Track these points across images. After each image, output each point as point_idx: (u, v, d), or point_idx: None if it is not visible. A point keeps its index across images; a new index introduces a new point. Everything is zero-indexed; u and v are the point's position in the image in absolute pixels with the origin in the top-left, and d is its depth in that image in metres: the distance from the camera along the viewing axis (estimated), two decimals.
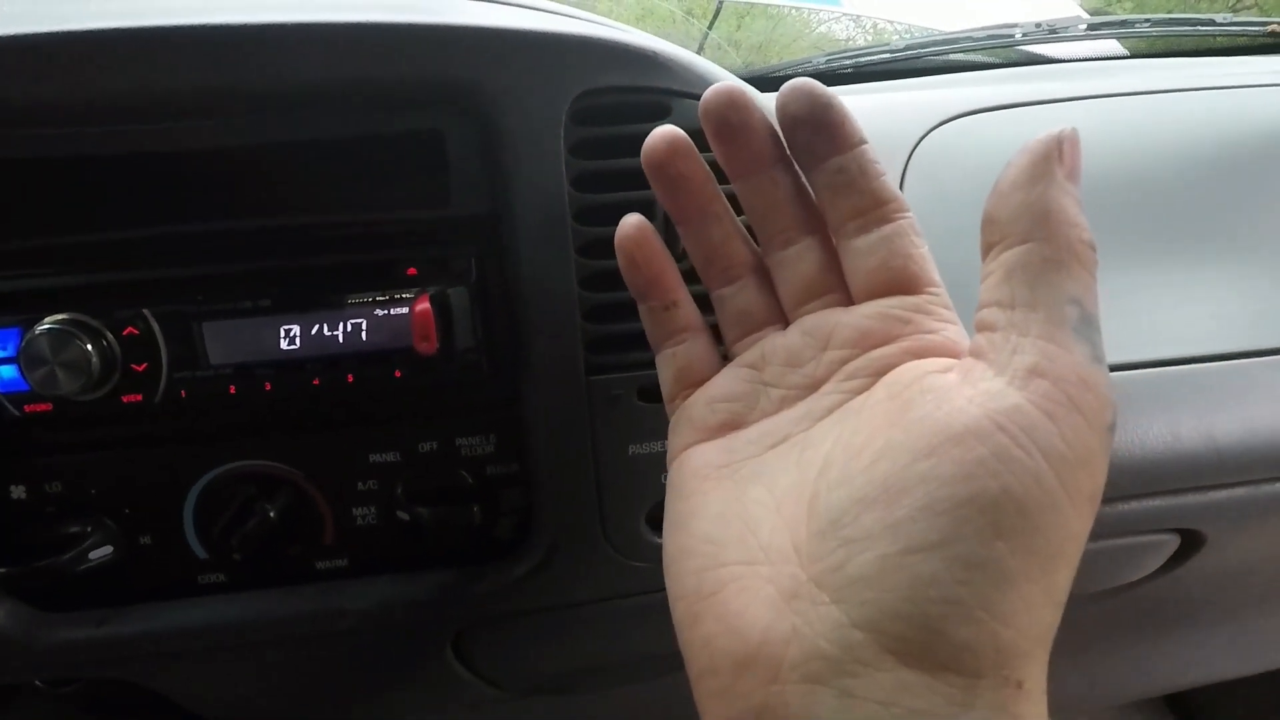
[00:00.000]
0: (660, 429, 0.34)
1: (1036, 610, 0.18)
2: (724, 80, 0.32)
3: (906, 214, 0.23)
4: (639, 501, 0.35)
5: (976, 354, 0.20)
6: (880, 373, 0.22)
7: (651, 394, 0.33)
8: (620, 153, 0.31)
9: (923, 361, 0.22)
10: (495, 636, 0.39)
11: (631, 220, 0.26)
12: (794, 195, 0.25)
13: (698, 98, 0.32)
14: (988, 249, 0.20)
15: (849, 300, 0.24)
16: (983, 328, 0.20)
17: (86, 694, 0.43)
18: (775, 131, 0.25)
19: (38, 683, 0.41)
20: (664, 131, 0.25)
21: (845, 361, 0.23)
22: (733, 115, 0.24)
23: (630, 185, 0.32)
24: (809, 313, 0.25)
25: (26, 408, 0.31)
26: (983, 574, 0.17)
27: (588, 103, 0.31)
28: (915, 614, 0.17)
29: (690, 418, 0.26)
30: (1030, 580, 0.17)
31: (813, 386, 0.24)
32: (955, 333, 0.22)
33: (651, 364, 0.33)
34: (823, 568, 0.19)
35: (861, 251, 0.23)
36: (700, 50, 0.93)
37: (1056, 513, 0.17)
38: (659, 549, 0.36)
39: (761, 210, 0.25)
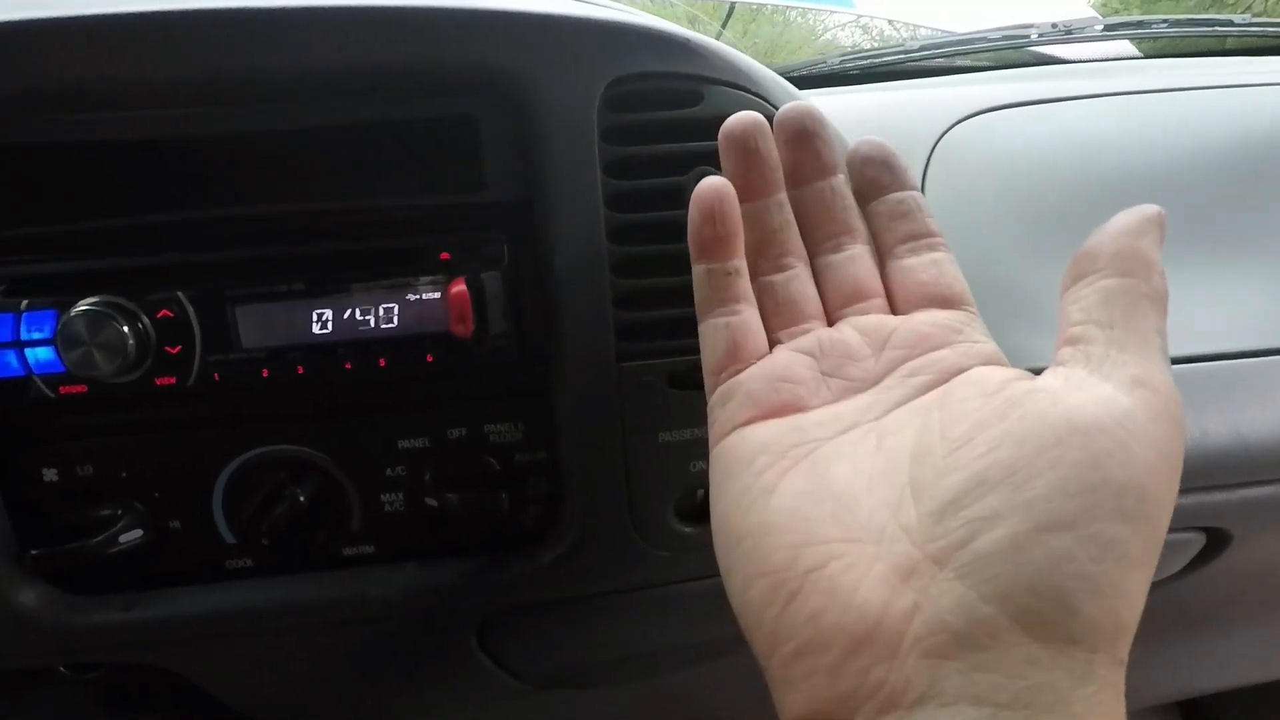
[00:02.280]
0: (690, 417, 0.34)
1: (1143, 594, 0.19)
2: (758, 71, 0.33)
3: (944, 246, 0.27)
4: (668, 490, 0.35)
5: (1069, 364, 0.22)
6: (943, 373, 0.24)
7: (682, 381, 0.33)
8: (652, 139, 0.31)
9: (998, 369, 0.24)
10: (520, 626, 0.39)
11: (716, 180, 0.27)
12: (849, 207, 0.28)
13: (730, 85, 0.32)
14: (1080, 276, 0.23)
15: (892, 309, 0.27)
16: (1078, 341, 0.22)
17: (109, 682, 0.43)
18: (837, 145, 0.29)
19: (62, 669, 0.41)
20: (747, 113, 0.27)
21: (903, 361, 0.25)
22: (810, 124, 0.28)
23: (661, 171, 0.32)
24: (857, 314, 0.27)
25: (62, 389, 0.31)
26: (1112, 554, 0.18)
27: (621, 89, 0.31)
28: (1050, 588, 0.18)
29: (750, 393, 0.25)
30: (1144, 566, 0.19)
31: (872, 381, 0.25)
32: (995, 348, 0.25)
33: (683, 351, 0.33)
34: (942, 545, 0.20)
35: (915, 269, 0.27)
36: (719, 37, 0.93)
37: (1163, 507, 0.19)
38: (688, 539, 0.36)
39: (818, 215, 0.28)
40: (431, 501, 0.35)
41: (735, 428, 0.25)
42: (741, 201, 0.27)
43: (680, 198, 0.32)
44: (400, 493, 0.35)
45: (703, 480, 0.35)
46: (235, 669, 0.39)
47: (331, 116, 0.30)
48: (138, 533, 0.34)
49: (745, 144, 0.27)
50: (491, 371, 0.34)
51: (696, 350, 0.33)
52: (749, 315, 0.27)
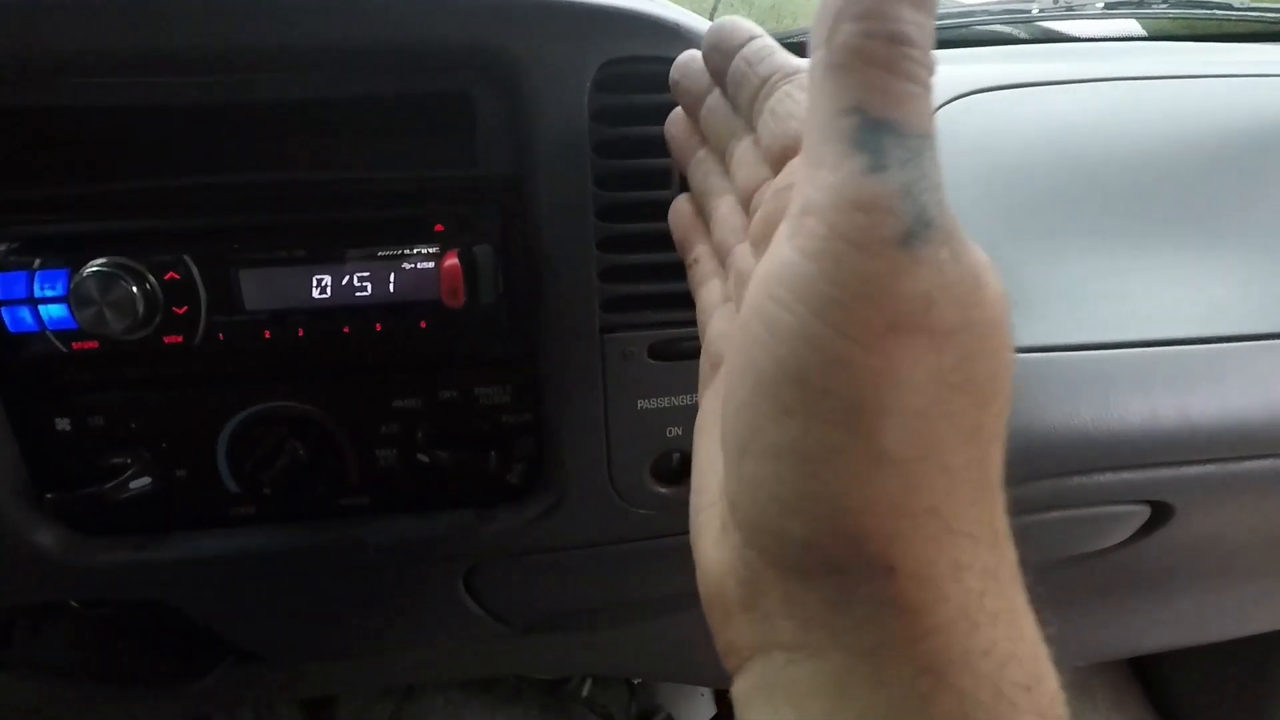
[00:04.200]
0: (668, 385, 0.36)
1: (871, 482, 0.15)
2: None
3: (794, 76, 0.22)
4: (645, 453, 0.37)
5: None
6: None
7: (662, 352, 0.35)
8: (641, 120, 0.33)
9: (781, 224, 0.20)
10: (504, 574, 0.42)
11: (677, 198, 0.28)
12: (730, 112, 0.25)
13: None
14: None
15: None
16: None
17: (119, 617, 0.46)
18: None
19: (74, 604, 0.44)
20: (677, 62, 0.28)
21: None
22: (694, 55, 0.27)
23: (649, 152, 0.33)
24: (753, 213, 0.23)
25: (74, 345, 0.33)
26: (785, 461, 0.16)
27: (612, 71, 0.32)
28: (762, 520, 0.17)
29: (701, 372, 0.25)
30: (841, 451, 0.15)
31: None
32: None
33: (664, 324, 0.35)
34: (726, 495, 0.19)
35: (760, 136, 0.23)
36: (714, 12, 0.93)
37: (842, 366, 0.15)
38: (662, 498, 0.39)
39: (714, 139, 0.26)
40: (423, 458, 0.37)
41: (701, 402, 0.25)
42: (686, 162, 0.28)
43: (666, 180, 0.33)
44: (394, 449, 0.37)
45: (678, 445, 0.37)
46: (237, 607, 0.42)
47: (332, 89, 0.32)
48: (146, 480, 0.36)
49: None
50: (481, 338, 0.36)
51: (677, 324, 0.35)
52: (706, 296, 0.26)
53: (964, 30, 0.78)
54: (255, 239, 0.33)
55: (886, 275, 0.15)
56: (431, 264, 0.33)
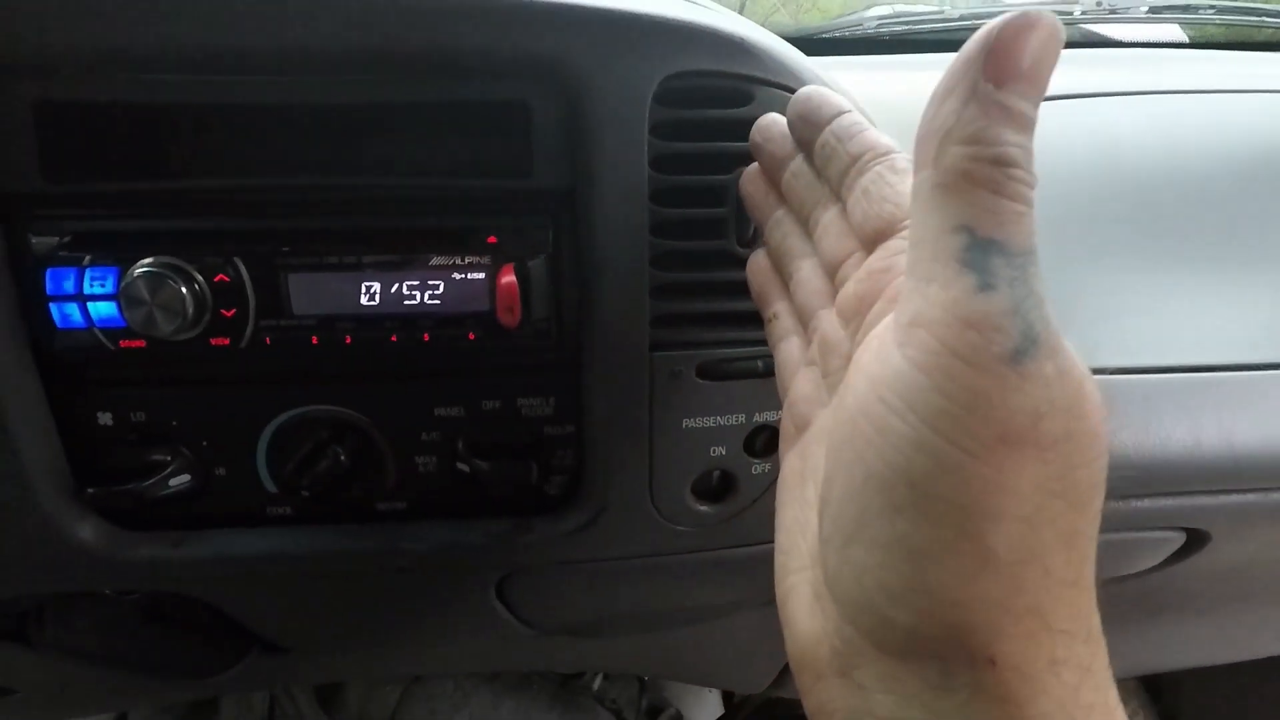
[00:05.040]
0: (715, 406, 0.36)
1: (977, 580, 0.16)
2: (809, 74, 0.33)
3: (885, 157, 0.23)
4: (687, 471, 0.37)
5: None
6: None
7: (710, 372, 0.35)
8: (700, 136, 0.32)
9: (884, 320, 0.20)
10: (536, 583, 0.42)
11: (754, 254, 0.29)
12: (807, 177, 0.26)
13: (780, 87, 0.32)
14: None
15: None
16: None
17: (148, 604, 0.46)
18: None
19: (106, 590, 0.44)
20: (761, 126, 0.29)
21: (856, 331, 0.22)
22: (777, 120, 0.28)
23: (707, 169, 0.32)
24: (841, 284, 0.24)
25: (122, 343, 0.33)
26: (895, 555, 0.17)
27: (673, 85, 0.31)
28: (865, 604, 0.18)
29: (782, 430, 0.26)
30: (950, 550, 0.16)
31: (845, 366, 0.22)
32: None
33: (714, 344, 0.34)
34: (824, 568, 0.20)
35: (851, 212, 0.23)
36: (742, 8, 0.91)
37: (953, 473, 0.16)
38: (703, 516, 0.38)
39: (797, 203, 0.27)
40: (463, 466, 0.37)
41: (783, 461, 0.26)
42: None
43: (723, 196, 0.33)
44: (434, 456, 0.37)
45: (720, 464, 0.37)
46: (270, 605, 0.42)
47: (390, 94, 0.31)
48: (186, 478, 0.36)
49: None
50: (528, 350, 0.35)
51: (726, 344, 0.35)
52: (786, 352, 0.27)
53: None
54: (306, 243, 0.32)
55: (996, 391, 0.16)
56: (483, 275, 0.33)
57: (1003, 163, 0.16)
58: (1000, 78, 0.16)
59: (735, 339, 0.34)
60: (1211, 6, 0.81)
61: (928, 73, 0.60)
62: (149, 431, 0.35)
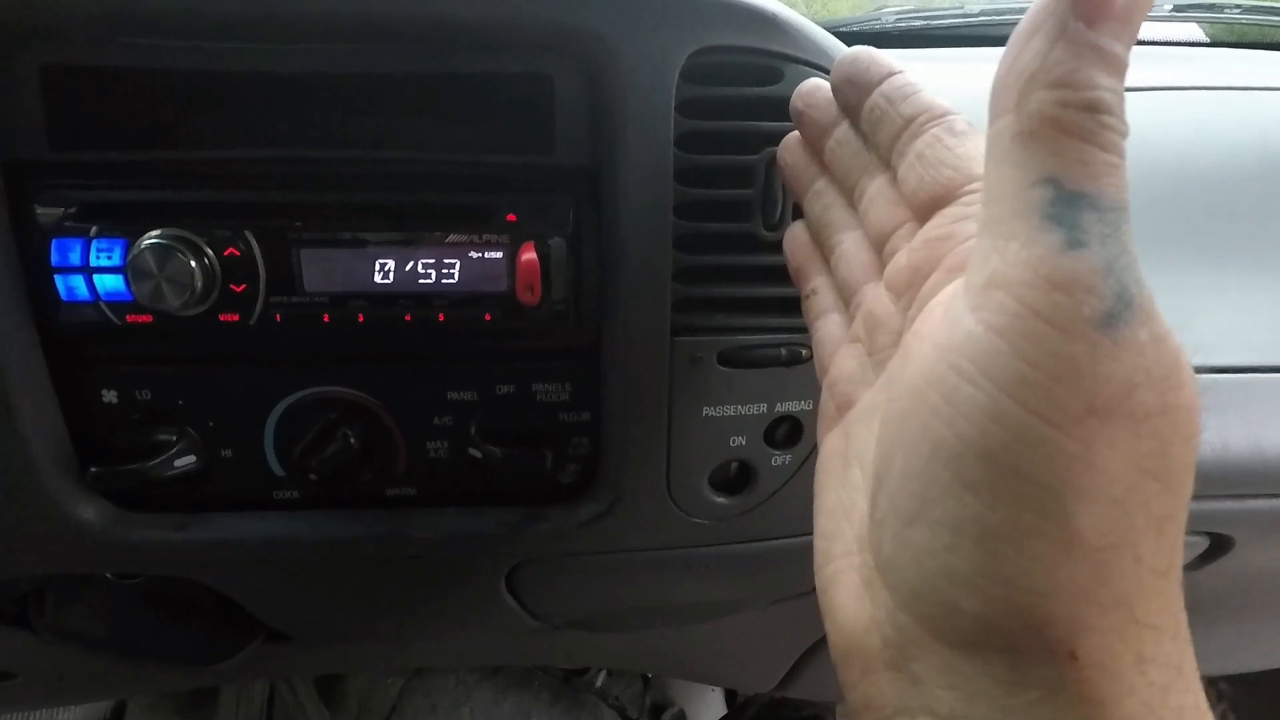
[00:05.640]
0: (736, 394, 0.35)
1: (1060, 567, 0.15)
2: (837, 51, 0.32)
3: (942, 119, 0.21)
4: (706, 461, 0.36)
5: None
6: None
7: (732, 359, 0.34)
8: (728, 115, 0.31)
9: (947, 288, 0.19)
10: (547, 574, 0.41)
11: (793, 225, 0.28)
12: (862, 148, 0.24)
13: (810, 65, 0.31)
14: None
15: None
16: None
17: (150, 589, 0.45)
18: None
19: (107, 574, 0.43)
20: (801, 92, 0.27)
21: (909, 305, 0.21)
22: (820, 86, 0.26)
23: (733, 148, 0.31)
24: (890, 256, 0.23)
25: (128, 318, 0.32)
26: (965, 537, 0.15)
27: (701, 60, 0.30)
28: (928, 590, 0.16)
29: (821, 410, 0.25)
30: (1030, 533, 0.15)
31: (895, 342, 0.21)
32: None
33: (736, 330, 0.33)
34: (875, 552, 0.18)
35: (903, 179, 0.22)
36: None
37: (1036, 448, 0.15)
38: (720, 508, 0.37)
39: (840, 172, 0.25)
40: (475, 452, 0.36)
41: (819, 446, 0.24)
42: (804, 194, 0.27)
43: (750, 177, 0.32)
44: (446, 441, 0.36)
45: (740, 455, 0.36)
46: (274, 591, 0.41)
47: (408, 65, 0.30)
48: (191, 459, 0.35)
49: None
50: (544, 333, 0.34)
51: (749, 330, 0.34)
52: (825, 329, 0.26)
53: None
54: (319, 218, 0.31)
55: (1086, 358, 0.14)
56: (500, 254, 0.32)
57: (1095, 109, 0.14)
58: (1092, 16, 0.14)
59: (759, 325, 0.33)
60: (1237, 6, 0.80)
61: (947, 67, 0.60)
62: (154, 410, 0.34)
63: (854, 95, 0.24)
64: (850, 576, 0.19)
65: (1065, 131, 0.14)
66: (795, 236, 0.28)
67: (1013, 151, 0.15)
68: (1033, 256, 0.15)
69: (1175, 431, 0.15)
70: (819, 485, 0.23)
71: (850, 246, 0.25)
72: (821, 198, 0.26)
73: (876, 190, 0.23)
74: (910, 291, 0.21)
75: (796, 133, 0.28)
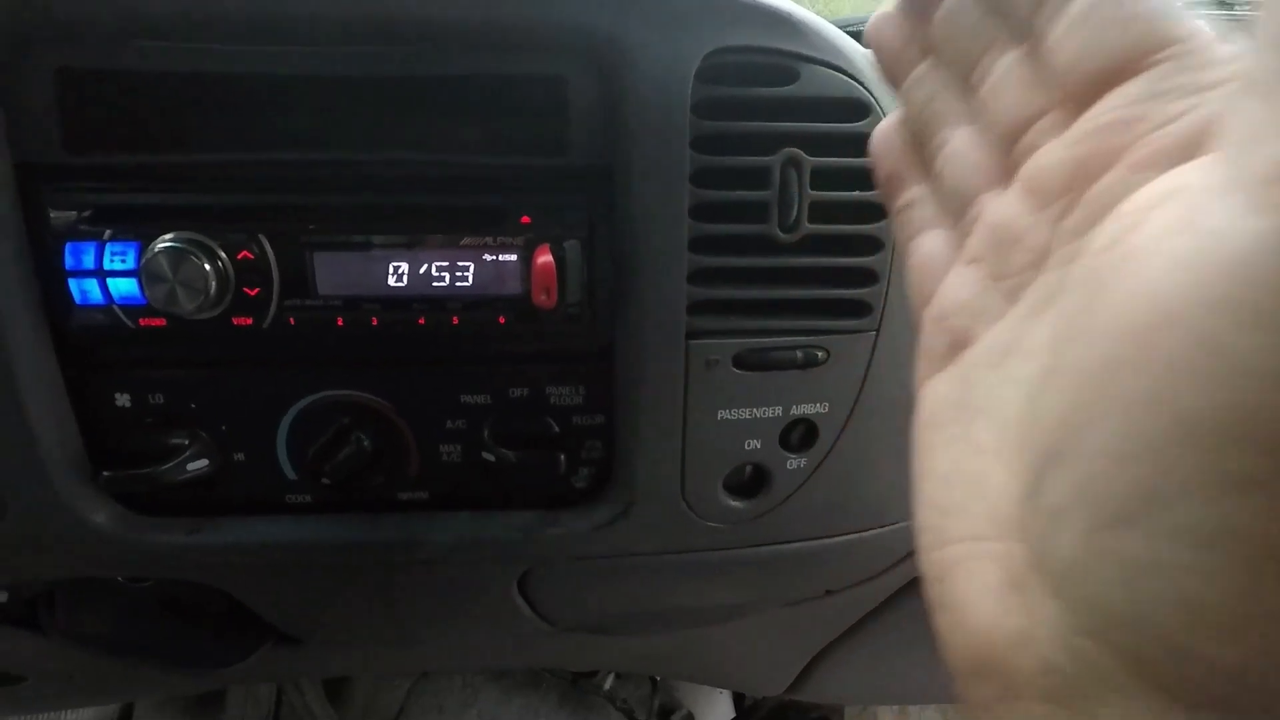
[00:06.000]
0: (752, 397, 0.34)
1: None
2: (855, 53, 0.31)
3: None
4: (720, 465, 0.36)
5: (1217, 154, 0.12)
6: (1100, 221, 0.15)
7: (747, 361, 0.33)
8: (742, 115, 0.31)
9: (1151, 186, 0.14)
10: (559, 577, 0.41)
11: (881, 123, 0.22)
12: (984, 14, 0.19)
13: (826, 65, 0.31)
14: None
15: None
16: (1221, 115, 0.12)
17: (161, 592, 0.45)
18: None
19: (119, 578, 0.43)
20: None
21: (1064, 215, 0.16)
22: None
23: (749, 149, 0.31)
24: (1027, 153, 0.17)
25: (141, 321, 0.32)
26: (1226, 555, 0.11)
27: (717, 61, 0.30)
28: (1144, 620, 0.12)
29: (923, 349, 0.19)
30: None
31: (1038, 263, 0.16)
32: (1201, 115, 0.14)
33: (752, 333, 0.33)
34: (1037, 546, 0.14)
35: (1058, 48, 0.16)
36: None
37: None
38: (733, 511, 0.37)
39: (952, 51, 0.20)
40: (488, 456, 0.36)
41: (920, 392, 0.19)
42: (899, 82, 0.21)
43: (765, 178, 0.32)
44: (459, 445, 0.36)
45: (754, 458, 0.36)
46: (286, 595, 0.41)
47: (422, 66, 0.30)
48: (204, 462, 0.35)
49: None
50: (558, 336, 0.34)
51: (765, 333, 0.33)
52: (926, 247, 0.20)
53: None
54: (333, 221, 0.31)
55: None
56: (515, 257, 0.31)
57: None
58: None
59: (774, 328, 0.33)
60: (1247, 3, 0.80)
61: None
62: (167, 414, 0.34)
63: None
64: (983, 568, 0.15)
65: None
66: (886, 136, 0.22)
67: None
68: None
69: None
70: (924, 443, 0.18)
71: (962, 144, 0.19)
72: (924, 84, 0.20)
73: (1007, 69, 0.18)
74: (1068, 196, 0.15)
75: (893, 6, 0.21)
